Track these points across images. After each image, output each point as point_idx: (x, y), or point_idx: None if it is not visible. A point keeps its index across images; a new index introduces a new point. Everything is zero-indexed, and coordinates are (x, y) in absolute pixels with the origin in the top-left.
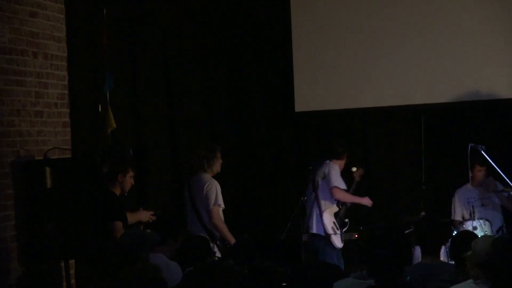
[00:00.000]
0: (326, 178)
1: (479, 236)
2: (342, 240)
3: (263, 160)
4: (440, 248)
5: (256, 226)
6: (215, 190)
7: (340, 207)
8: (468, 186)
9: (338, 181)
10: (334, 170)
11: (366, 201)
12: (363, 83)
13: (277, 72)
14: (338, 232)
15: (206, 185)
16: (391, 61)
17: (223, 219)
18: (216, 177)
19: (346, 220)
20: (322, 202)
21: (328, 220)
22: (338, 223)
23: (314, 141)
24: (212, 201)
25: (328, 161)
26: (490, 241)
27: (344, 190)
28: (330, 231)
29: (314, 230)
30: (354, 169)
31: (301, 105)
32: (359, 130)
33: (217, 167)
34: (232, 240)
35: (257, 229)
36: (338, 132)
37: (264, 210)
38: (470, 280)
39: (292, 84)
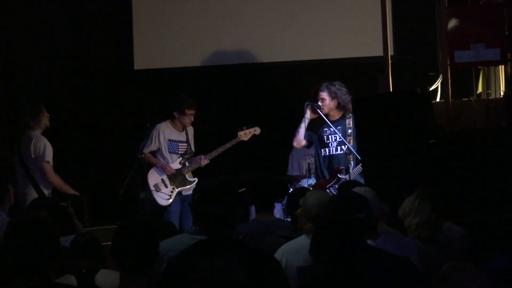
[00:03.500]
0: None
1: None
2: (170, 198)
3: (102, 118)
4: (274, 206)
5: (97, 183)
6: (43, 147)
7: (186, 164)
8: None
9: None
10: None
11: (163, 168)
12: (203, 42)
13: (116, 30)
14: (166, 190)
15: (35, 143)
16: (231, 20)
17: None
18: (55, 135)
19: (193, 178)
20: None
21: (154, 176)
22: (174, 180)
23: (154, 99)
24: (44, 157)
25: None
26: (319, 195)
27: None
28: (151, 187)
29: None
30: (244, 128)
31: (140, 63)
32: (200, 88)
33: (44, 122)
34: (71, 191)
35: (98, 186)
36: (178, 90)
37: (104, 168)
38: (304, 235)
39: (131, 41)
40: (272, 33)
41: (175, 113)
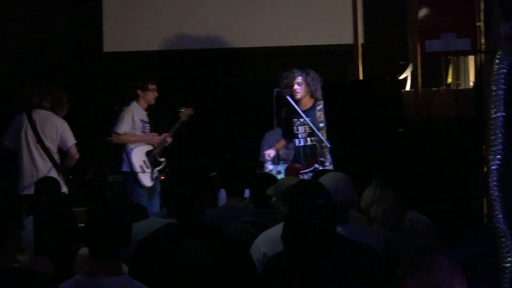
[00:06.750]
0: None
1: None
2: (152, 179)
3: (70, 100)
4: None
5: None
6: (68, 128)
7: (155, 145)
8: (277, 129)
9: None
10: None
11: (153, 139)
12: (173, 26)
13: (86, 11)
14: (148, 171)
15: (60, 124)
16: (202, 4)
17: None
18: None
19: (162, 159)
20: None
21: (137, 157)
22: (150, 162)
23: (122, 81)
24: (72, 138)
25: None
26: (292, 181)
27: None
28: (137, 169)
29: (122, 168)
30: (183, 109)
31: (109, 45)
32: (170, 72)
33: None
34: None
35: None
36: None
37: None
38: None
39: (101, 24)
40: (243, 18)
41: (138, 92)
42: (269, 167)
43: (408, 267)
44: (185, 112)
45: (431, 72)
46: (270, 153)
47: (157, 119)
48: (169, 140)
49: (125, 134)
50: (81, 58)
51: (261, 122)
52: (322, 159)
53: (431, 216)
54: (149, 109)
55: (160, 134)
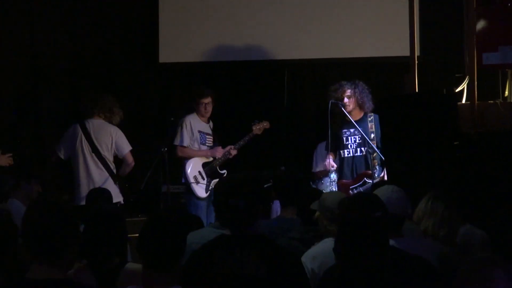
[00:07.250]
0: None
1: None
2: (207, 190)
3: (125, 110)
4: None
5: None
6: (123, 135)
7: (216, 157)
8: None
9: (178, 139)
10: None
11: (215, 154)
12: (230, 36)
13: (142, 22)
14: (203, 182)
15: (115, 132)
16: (257, 15)
17: None
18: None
19: (223, 171)
20: None
21: (192, 169)
22: (208, 173)
23: (177, 92)
24: (128, 145)
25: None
26: (339, 195)
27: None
28: (191, 180)
29: (182, 179)
30: (257, 121)
31: (165, 56)
32: (225, 83)
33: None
34: None
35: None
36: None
37: None
38: (330, 238)
39: (157, 34)
40: (299, 30)
41: (193, 104)
42: (334, 176)
43: (464, 280)
44: (259, 126)
45: (488, 85)
46: (333, 163)
47: (220, 130)
48: (233, 152)
49: (188, 147)
50: (137, 68)
51: (315, 133)
52: (371, 172)
53: (487, 229)
54: (214, 120)
55: (224, 146)
